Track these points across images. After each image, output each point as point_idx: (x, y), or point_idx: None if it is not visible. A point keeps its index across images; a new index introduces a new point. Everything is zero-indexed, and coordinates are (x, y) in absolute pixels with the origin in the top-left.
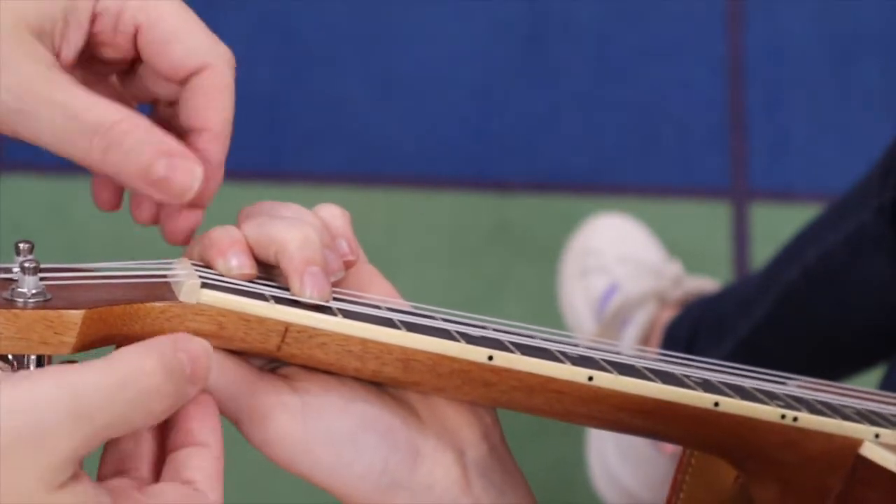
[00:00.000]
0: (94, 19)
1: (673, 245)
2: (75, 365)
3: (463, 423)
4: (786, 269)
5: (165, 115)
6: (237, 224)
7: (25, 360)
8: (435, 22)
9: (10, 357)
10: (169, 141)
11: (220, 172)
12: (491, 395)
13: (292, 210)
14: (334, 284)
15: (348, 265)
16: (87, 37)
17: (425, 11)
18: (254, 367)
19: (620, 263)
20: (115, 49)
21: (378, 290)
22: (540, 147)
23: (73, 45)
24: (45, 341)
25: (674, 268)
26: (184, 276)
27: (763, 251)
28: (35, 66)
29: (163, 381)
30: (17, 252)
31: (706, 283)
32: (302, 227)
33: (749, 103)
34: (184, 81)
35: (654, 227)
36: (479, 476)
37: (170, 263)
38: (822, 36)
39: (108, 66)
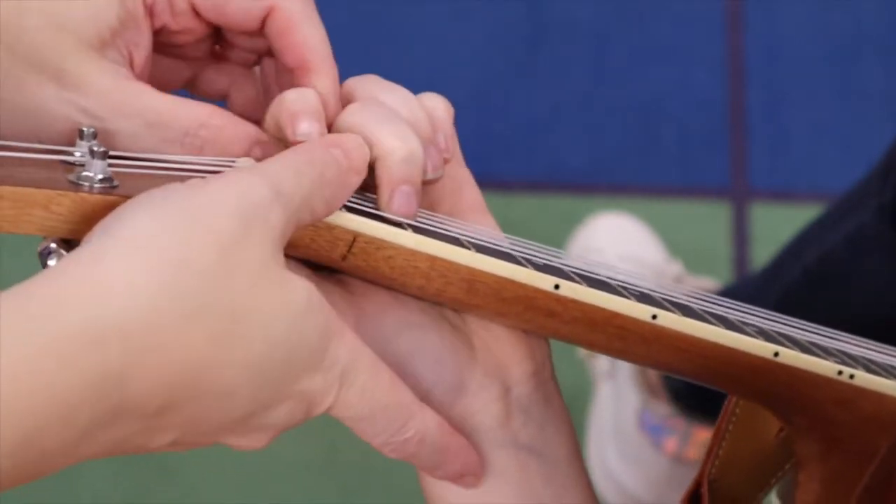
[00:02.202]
0: (150, 12)
1: (673, 245)
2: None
3: (514, 360)
4: (786, 269)
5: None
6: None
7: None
8: (435, 22)
9: (72, 242)
10: (257, 129)
11: (334, 101)
12: (552, 326)
13: (399, 98)
14: (429, 183)
15: (444, 162)
16: (153, 34)
17: (425, 12)
18: (311, 279)
19: (621, 263)
20: (186, 33)
21: (467, 197)
22: (540, 147)
23: (142, 48)
24: None
25: (674, 268)
26: None
27: (763, 251)
28: (106, 80)
29: (340, 160)
30: (81, 136)
31: (706, 283)
32: (409, 137)
33: (749, 103)
34: (261, 29)
35: (654, 227)
36: (521, 412)
37: (233, 161)
38: (822, 36)
39: (192, 52)
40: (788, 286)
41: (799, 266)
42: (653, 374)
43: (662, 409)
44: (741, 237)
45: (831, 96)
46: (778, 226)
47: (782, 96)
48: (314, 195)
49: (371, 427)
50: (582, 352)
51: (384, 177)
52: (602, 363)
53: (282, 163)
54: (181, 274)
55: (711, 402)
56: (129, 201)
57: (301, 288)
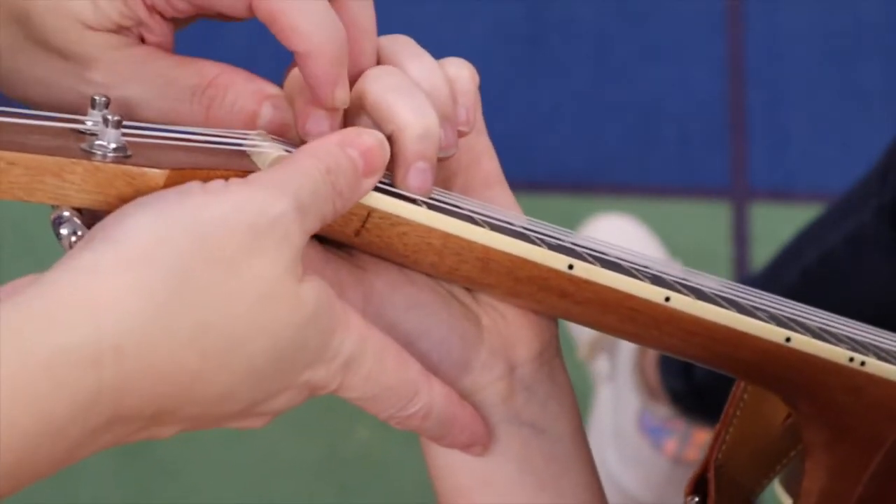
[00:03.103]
0: (154, 10)
1: (673, 245)
2: (279, 164)
3: (522, 340)
4: (785, 269)
5: None
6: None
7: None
8: (435, 22)
9: (83, 211)
10: (269, 86)
11: (328, 89)
12: (564, 307)
13: (424, 67)
14: (441, 160)
15: (460, 135)
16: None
17: (425, 12)
18: (321, 253)
19: None
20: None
21: (484, 170)
22: (540, 147)
23: (153, 35)
24: (124, 199)
25: None
26: (267, 148)
27: (763, 251)
28: (111, 53)
29: (355, 167)
30: (93, 105)
31: None
32: (427, 112)
33: (749, 103)
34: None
35: (654, 227)
36: (524, 389)
37: (246, 134)
38: (822, 36)
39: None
40: (788, 287)
41: (798, 267)
42: (652, 376)
43: (662, 411)
44: (741, 237)
45: (831, 96)
46: (778, 226)
47: (782, 96)
48: (326, 207)
49: (375, 405)
50: (582, 354)
51: (400, 153)
52: (602, 365)
53: (301, 172)
54: (179, 291)
55: (711, 403)
56: (136, 202)
57: (310, 298)
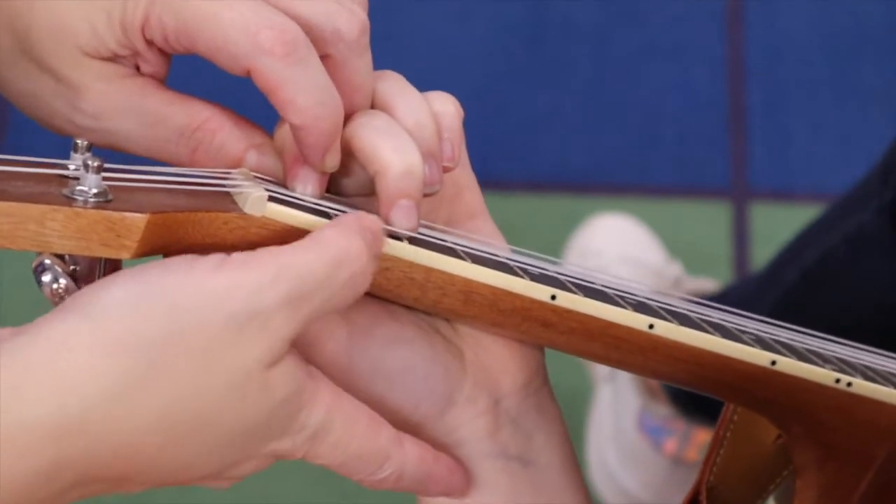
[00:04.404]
0: (151, 45)
1: (673, 245)
2: (287, 247)
3: (505, 372)
4: (785, 269)
5: None
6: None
7: (79, 259)
8: (435, 22)
9: (66, 257)
10: (258, 133)
11: (318, 157)
12: (548, 336)
13: (411, 106)
14: (425, 195)
15: (445, 170)
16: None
17: (425, 11)
18: None
19: (621, 264)
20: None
21: (467, 203)
22: (540, 147)
23: (149, 65)
24: (106, 244)
25: (674, 268)
26: (249, 188)
27: (763, 251)
28: (102, 84)
29: (367, 262)
30: (75, 149)
31: (706, 284)
32: (409, 151)
33: (749, 103)
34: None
35: (654, 227)
36: (509, 422)
37: (228, 173)
38: (822, 36)
39: None
40: (788, 287)
41: (798, 267)
42: None
43: (662, 411)
44: (741, 237)
45: (831, 96)
46: (778, 226)
47: (782, 96)
48: (342, 294)
49: (344, 471)
50: None
51: (383, 191)
52: (602, 366)
53: (308, 263)
54: (147, 377)
55: (711, 403)
56: (117, 276)
57: (280, 383)
